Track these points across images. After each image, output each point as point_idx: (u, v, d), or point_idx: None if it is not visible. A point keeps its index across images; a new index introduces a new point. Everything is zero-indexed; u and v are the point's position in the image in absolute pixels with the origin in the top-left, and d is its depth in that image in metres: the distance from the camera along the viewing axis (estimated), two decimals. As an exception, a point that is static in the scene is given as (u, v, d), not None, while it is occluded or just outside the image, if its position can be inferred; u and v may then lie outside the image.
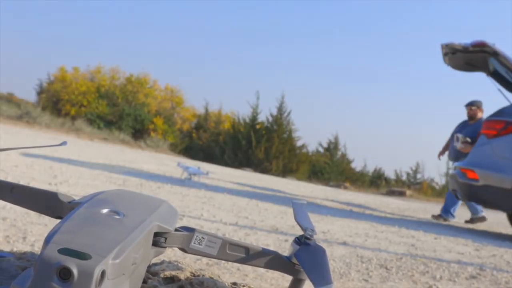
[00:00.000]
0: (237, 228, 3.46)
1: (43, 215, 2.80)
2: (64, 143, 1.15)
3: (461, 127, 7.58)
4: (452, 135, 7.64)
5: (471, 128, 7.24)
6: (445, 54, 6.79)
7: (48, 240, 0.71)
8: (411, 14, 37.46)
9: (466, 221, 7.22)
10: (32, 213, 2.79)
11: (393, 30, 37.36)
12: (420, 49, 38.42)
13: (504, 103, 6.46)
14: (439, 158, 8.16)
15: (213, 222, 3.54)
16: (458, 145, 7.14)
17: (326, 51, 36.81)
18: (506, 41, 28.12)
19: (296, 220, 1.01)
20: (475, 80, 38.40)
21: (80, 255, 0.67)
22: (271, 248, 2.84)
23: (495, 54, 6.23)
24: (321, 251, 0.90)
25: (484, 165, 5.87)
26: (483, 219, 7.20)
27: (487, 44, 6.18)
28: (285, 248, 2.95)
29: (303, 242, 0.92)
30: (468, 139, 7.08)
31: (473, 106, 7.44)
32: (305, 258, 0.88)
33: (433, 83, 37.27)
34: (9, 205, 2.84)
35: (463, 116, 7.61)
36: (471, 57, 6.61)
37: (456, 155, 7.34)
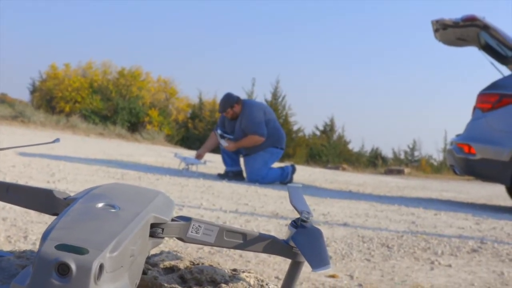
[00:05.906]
0: (237, 215, 3.47)
1: (43, 214, 2.80)
2: (57, 140, 1.14)
3: (224, 122, 6.89)
4: (216, 130, 6.92)
5: (236, 124, 6.69)
6: (436, 30, 6.78)
7: (45, 237, 0.71)
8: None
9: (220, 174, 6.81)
10: (32, 212, 2.79)
11: (383, 10, 37.29)
12: (414, 26, 38.40)
13: (496, 76, 6.48)
14: (202, 161, 7.07)
15: (213, 211, 3.55)
16: (223, 143, 6.73)
17: (319, 35, 36.78)
18: (498, 14, 28.10)
19: (291, 203, 1.01)
20: (467, 55, 38.45)
21: (78, 250, 0.67)
22: (272, 233, 2.85)
23: (486, 27, 6.24)
24: (318, 233, 0.90)
25: (480, 139, 5.89)
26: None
27: (477, 18, 6.19)
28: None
29: (300, 225, 0.92)
30: (230, 136, 6.68)
31: (225, 111, 6.63)
32: (302, 240, 0.89)
33: (427, 60, 37.29)
34: (8, 205, 2.84)
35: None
36: (462, 32, 6.61)
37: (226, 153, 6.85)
